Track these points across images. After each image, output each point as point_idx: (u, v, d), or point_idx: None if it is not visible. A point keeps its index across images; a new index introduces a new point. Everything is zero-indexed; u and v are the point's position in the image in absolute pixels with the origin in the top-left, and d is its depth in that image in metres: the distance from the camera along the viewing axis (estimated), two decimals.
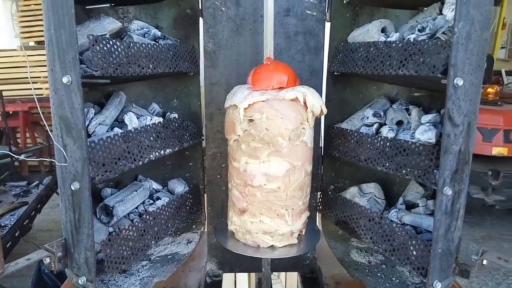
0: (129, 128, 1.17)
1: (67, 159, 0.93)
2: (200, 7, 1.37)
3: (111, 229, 1.15)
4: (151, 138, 1.20)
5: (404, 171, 1.07)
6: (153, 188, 1.40)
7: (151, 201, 1.33)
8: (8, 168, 3.51)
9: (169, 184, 1.44)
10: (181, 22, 1.40)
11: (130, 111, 1.28)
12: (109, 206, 1.17)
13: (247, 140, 1.05)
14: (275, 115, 1.01)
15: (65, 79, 0.92)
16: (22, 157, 3.85)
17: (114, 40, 1.04)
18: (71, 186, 0.97)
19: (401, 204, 1.29)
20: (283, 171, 1.07)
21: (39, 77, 4.80)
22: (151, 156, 1.19)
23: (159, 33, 1.32)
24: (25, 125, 4.99)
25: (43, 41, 0.94)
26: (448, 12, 0.99)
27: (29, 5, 5.00)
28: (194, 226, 1.52)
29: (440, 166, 0.95)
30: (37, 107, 4.53)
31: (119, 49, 1.05)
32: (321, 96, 1.43)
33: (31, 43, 5.21)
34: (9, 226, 2.66)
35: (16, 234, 2.69)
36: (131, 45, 1.10)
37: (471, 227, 3.80)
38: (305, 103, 1.07)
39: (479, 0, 0.88)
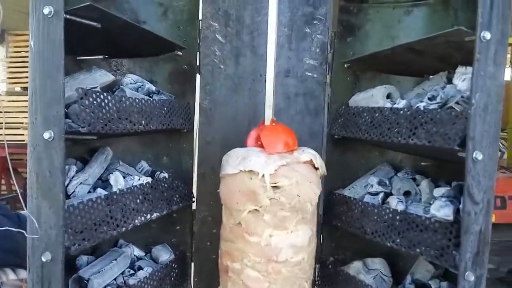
0: (114, 189, 1.06)
1: (39, 230, 0.81)
2: (198, 64, 1.33)
3: None
4: (137, 200, 1.08)
5: (418, 250, 0.96)
6: (134, 255, 1.25)
7: (132, 271, 1.17)
8: None
9: (153, 251, 1.29)
10: (177, 78, 1.34)
11: (116, 169, 1.17)
12: (84, 278, 1.02)
13: (274, 210, 0.95)
14: (303, 180, 0.95)
15: (46, 135, 0.83)
16: None
17: (105, 94, 0.96)
18: (42, 257, 0.84)
19: (409, 283, 1.18)
20: (307, 239, 1.00)
21: (22, 123, 4.68)
22: (136, 221, 1.07)
23: (153, 88, 1.26)
24: (2, 171, 4.76)
25: None
26: (459, 82, 0.96)
27: (19, 51, 5.01)
28: None
29: (461, 247, 0.86)
30: (16, 153, 4.36)
31: (110, 104, 0.96)
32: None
33: (17, 89, 5.15)
34: None
35: None
36: (123, 99, 1.02)
37: None
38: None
39: (494, 72, 0.85)
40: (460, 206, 0.92)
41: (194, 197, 1.36)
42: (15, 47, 5.04)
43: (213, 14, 1.29)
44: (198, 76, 1.34)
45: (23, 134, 4.68)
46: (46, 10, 0.81)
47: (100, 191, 1.05)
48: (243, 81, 1.32)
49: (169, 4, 1.30)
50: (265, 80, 1.30)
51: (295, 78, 1.33)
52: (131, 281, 1.11)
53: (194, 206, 1.38)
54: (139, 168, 1.29)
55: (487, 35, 0.82)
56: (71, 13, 0.85)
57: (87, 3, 0.85)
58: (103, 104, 0.94)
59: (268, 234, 0.97)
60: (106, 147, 1.24)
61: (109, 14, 0.93)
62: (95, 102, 0.92)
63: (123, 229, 1.02)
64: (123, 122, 1.01)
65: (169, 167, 1.36)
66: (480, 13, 0.82)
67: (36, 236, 0.81)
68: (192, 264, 1.38)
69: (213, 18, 1.29)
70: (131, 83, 1.23)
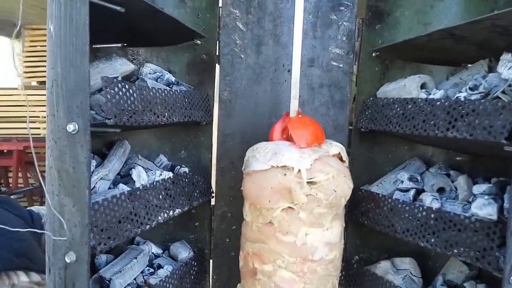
0: (137, 185, 1.01)
1: (67, 231, 0.76)
2: (217, 53, 1.27)
3: None
4: (160, 196, 1.03)
5: (456, 251, 0.90)
6: (152, 253, 1.21)
7: (151, 270, 1.13)
8: None
9: (172, 248, 1.25)
10: (195, 68, 1.29)
11: (135, 163, 1.13)
12: (105, 278, 0.98)
13: (310, 207, 0.91)
14: (339, 174, 0.91)
15: (70, 127, 0.76)
16: None
17: (130, 84, 0.90)
18: (65, 258, 0.78)
19: (441, 284, 1.11)
20: (339, 235, 0.98)
21: (38, 116, 4.71)
22: (159, 218, 1.02)
23: (173, 78, 1.21)
24: (18, 164, 4.81)
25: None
26: (505, 70, 0.88)
27: (35, 46, 5.03)
28: None
29: (506, 249, 0.78)
30: (33, 147, 4.40)
31: (135, 94, 0.91)
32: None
33: (34, 83, 5.18)
34: None
35: None
36: (147, 90, 0.97)
37: None
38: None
39: None
40: (505, 204, 0.85)
41: (213, 192, 1.32)
42: (31, 41, 5.06)
43: (234, 0, 1.23)
44: (217, 66, 1.29)
45: (39, 128, 4.71)
46: None
47: (123, 187, 0.99)
48: (264, 71, 1.26)
49: None
50: (289, 70, 1.24)
51: (320, 68, 1.26)
52: (152, 281, 1.07)
53: (212, 201, 1.33)
54: (158, 162, 1.25)
55: None
56: None
57: None
58: (128, 94, 0.88)
59: (304, 233, 0.92)
60: (123, 140, 1.19)
61: None
62: (120, 92, 0.86)
63: (147, 226, 0.96)
64: (147, 114, 0.95)
65: (187, 161, 1.32)
66: None
67: (64, 238, 0.77)
68: (211, 261, 1.34)
69: (233, 5, 1.23)
70: (150, 73, 1.18)
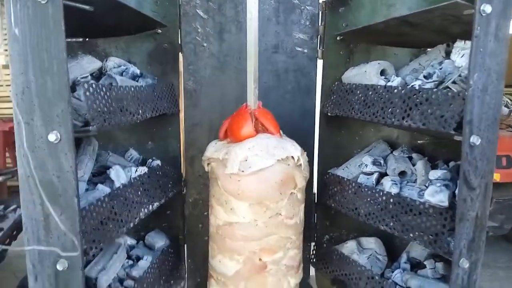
0: (117, 185, 0.99)
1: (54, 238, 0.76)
2: (180, 42, 1.24)
3: None
4: (139, 193, 1.04)
5: (411, 235, 0.93)
6: (127, 244, 1.23)
7: (130, 262, 1.15)
8: None
9: (147, 238, 1.27)
10: (158, 58, 1.26)
11: (107, 160, 1.12)
12: (91, 278, 0.98)
13: (303, 186, 1.02)
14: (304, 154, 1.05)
15: (52, 137, 0.72)
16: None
17: (108, 86, 0.89)
18: (57, 266, 0.77)
19: (405, 262, 1.16)
20: None
21: None
22: (141, 214, 1.03)
23: (138, 71, 1.17)
24: (5, 145, 4.72)
25: None
26: (457, 58, 0.89)
27: None
28: (172, 282, 1.35)
29: (455, 235, 0.82)
30: None
31: (111, 96, 0.89)
32: (314, 138, 1.31)
33: None
34: None
35: None
36: (121, 89, 0.95)
37: None
38: None
39: (495, 49, 0.77)
40: (457, 190, 0.88)
41: (184, 181, 1.33)
42: None
43: None
44: (180, 55, 1.26)
45: None
46: None
47: (102, 188, 0.97)
48: (228, 59, 1.25)
49: None
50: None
51: (284, 54, 1.25)
52: (135, 273, 1.08)
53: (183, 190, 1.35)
54: (128, 157, 1.24)
55: (488, 8, 0.73)
56: None
57: None
58: (106, 97, 0.87)
59: (300, 211, 1.02)
60: (91, 137, 1.17)
61: None
62: (99, 96, 0.84)
63: (131, 224, 0.97)
64: (124, 114, 0.94)
65: (155, 152, 1.30)
66: None
67: (54, 249, 0.76)
68: (185, 246, 1.37)
69: None
70: (114, 67, 1.14)
